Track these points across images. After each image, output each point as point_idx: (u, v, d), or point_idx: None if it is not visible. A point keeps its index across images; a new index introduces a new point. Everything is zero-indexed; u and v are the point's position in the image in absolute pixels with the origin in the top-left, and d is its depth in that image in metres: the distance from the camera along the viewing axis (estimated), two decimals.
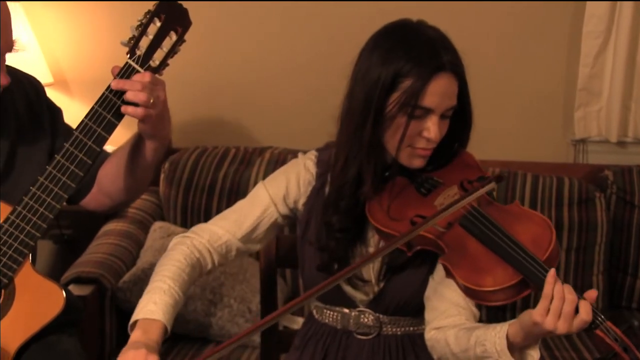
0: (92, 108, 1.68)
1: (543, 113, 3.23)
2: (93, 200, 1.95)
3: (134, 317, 1.63)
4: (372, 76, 1.64)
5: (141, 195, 2.10)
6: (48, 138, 1.86)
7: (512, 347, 1.48)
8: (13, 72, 1.84)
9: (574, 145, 3.25)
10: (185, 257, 1.74)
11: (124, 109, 1.67)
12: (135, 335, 1.59)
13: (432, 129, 1.63)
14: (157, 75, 1.70)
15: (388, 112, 1.63)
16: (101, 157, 1.89)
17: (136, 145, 1.83)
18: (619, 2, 3.02)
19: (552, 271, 1.42)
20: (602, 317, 1.41)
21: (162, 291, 1.64)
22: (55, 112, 1.92)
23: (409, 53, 1.61)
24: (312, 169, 1.83)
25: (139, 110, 1.66)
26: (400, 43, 1.64)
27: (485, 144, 3.05)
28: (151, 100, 1.66)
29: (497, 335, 1.49)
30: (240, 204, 1.85)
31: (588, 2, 3.04)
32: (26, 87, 1.88)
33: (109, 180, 1.91)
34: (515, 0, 3.09)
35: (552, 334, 1.41)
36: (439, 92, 1.61)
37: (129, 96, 1.66)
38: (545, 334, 1.44)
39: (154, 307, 1.61)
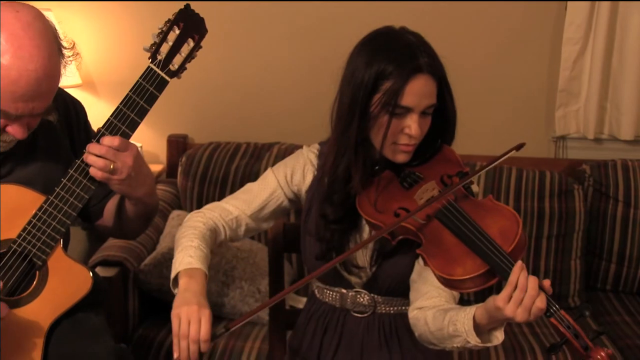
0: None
1: (527, 112, 3.23)
2: (99, 224, 1.96)
3: (174, 272, 1.64)
4: (357, 79, 1.64)
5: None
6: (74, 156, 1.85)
7: (478, 327, 1.49)
8: (59, 93, 1.82)
9: (554, 142, 3.25)
10: (204, 223, 1.77)
11: (90, 169, 1.66)
12: (183, 283, 1.60)
13: (412, 126, 1.63)
14: (128, 141, 1.67)
15: (372, 111, 1.64)
16: None
17: (122, 196, 1.84)
18: (595, 12, 3.02)
19: (519, 262, 1.43)
20: (557, 307, 1.42)
21: (192, 248, 1.67)
22: (91, 136, 1.91)
23: (390, 56, 1.61)
24: (314, 160, 1.84)
25: (98, 174, 1.65)
26: (382, 47, 1.64)
27: (474, 140, 3.09)
28: (111, 167, 1.64)
29: (465, 316, 1.50)
30: (250, 186, 1.86)
31: (568, 11, 3.04)
32: (69, 107, 1.88)
33: (108, 214, 1.92)
34: (502, 1, 3.10)
35: (512, 320, 1.42)
36: (417, 92, 1.61)
37: (86, 159, 1.65)
38: (506, 320, 1.44)
39: (190, 259, 1.64)
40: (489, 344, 1.51)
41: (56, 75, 1.62)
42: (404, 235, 1.63)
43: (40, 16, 1.60)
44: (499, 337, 1.51)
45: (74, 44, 1.69)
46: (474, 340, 1.49)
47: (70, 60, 1.67)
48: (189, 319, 1.51)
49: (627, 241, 2.88)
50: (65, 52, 1.65)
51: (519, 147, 1.65)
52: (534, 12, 3.11)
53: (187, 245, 1.69)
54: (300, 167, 1.85)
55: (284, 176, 1.84)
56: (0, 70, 1.53)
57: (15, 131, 1.64)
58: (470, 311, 1.50)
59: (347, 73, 1.69)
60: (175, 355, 1.51)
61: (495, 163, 1.63)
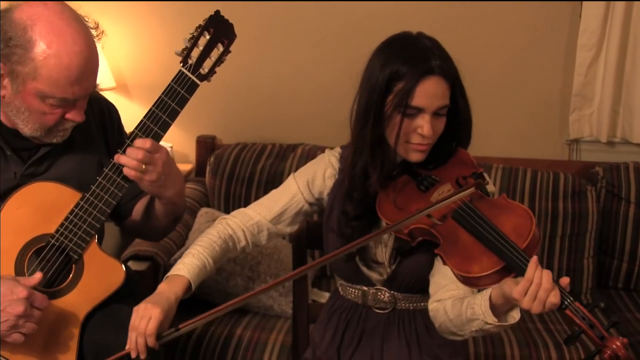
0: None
1: (542, 116, 3.21)
2: (128, 223, 1.98)
3: (167, 274, 1.69)
4: (372, 80, 1.64)
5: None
6: (108, 155, 1.86)
7: (495, 308, 1.49)
8: (95, 96, 1.86)
9: (568, 145, 3.22)
10: (219, 232, 1.79)
11: (124, 169, 1.68)
12: (160, 286, 1.66)
13: (425, 126, 1.62)
14: (159, 144, 1.69)
15: (386, 112, 1.64)
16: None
17: (152, 197, 1.86)
18: (609, 19, 3.00)
19: (535, 258, 1.42)
20: (571, 299, 1.40)
21: (191, 255, 1.71)
22: (124, 137, 1.90)
23: (403, 59, 1.61)
24: (336, 164, 1.84)
25: (132, 173, 1.67)
26: (397, 51, 1.65)
27: (491, 143, 3.08)
28: (143, 166, 1.66)
29: (482, 298, 1.50)
30: (272, 192, 1.87)
31: (582, 18, 3.02)
32: (103, 109, 1.90)
33: (136, 213, 1.94)
34: (520, 1, 3.08)
35: (527, 310, 1.41)
36: (427, 93, 1.60)
37: (119, 159, 1.67)
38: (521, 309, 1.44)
39: (181, 266, 1.69)
40: (505, 324, 1.51)
41: (96, 52, 1.67)
42: (423, 236, 1.62)
43: (65, 5, 1.66)
44: (515, 316, 1.50)
45: (97, 24, 1.73)
46: (491, 319, 1.48)
47: (99, 39, 1.71)
48: (142, 315, 1.58)
49: (638, 241, 2.85)
50: (92, 32, 1.70)
51: (479, 184, 1.64)
52: (549, 18, 3.10)
53: (188, 252, 1.73)
54: (321, 171, 1.85)
55: (305, 181, 1.84)
56: (51, 60, 1.58)
57: (75, 116, 1.68)
58: (487, 292, 1.50)
59: (364, 76, 1.69)
60: (127, 346, 1.60)
61: (457, 196, 1.58)
